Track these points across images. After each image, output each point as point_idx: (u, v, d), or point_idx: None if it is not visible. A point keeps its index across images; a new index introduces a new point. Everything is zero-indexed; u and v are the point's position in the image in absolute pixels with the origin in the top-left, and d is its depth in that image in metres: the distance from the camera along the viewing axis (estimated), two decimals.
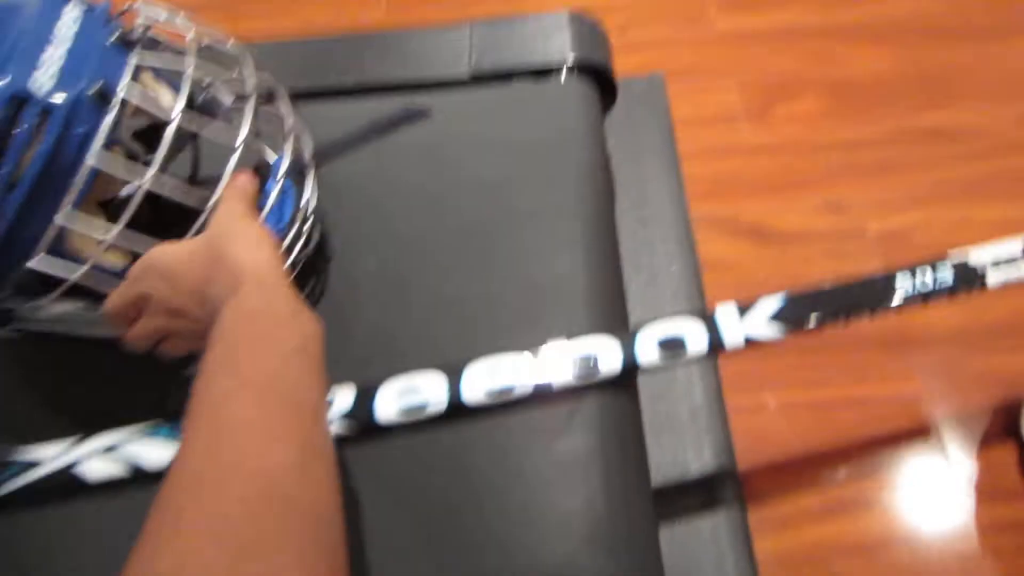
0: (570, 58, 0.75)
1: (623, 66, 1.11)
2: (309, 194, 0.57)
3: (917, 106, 1.02)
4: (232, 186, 0.49)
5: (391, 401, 0.51)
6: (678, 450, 0.70)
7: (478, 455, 0.51)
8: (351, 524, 0.38)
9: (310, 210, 0.58)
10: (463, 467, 0.51)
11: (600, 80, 0.77)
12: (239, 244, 0.44)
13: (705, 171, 1.06)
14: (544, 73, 0.75)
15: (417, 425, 0.52)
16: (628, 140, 0.97)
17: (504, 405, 0.52)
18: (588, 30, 0.79)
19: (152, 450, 0.52)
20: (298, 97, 0.59)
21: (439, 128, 0.70)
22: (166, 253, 0.47)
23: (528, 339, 0.54)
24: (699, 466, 0.69)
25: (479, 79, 0.74)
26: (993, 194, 0.99)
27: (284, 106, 0.57)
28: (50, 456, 0.53)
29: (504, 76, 0.74)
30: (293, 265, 0.56)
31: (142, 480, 0.51)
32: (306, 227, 0.57)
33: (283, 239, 0.55)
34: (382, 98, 0.73)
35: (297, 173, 0.58)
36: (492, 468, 0.51)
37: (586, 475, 0.50)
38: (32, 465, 0.52)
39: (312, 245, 0.59)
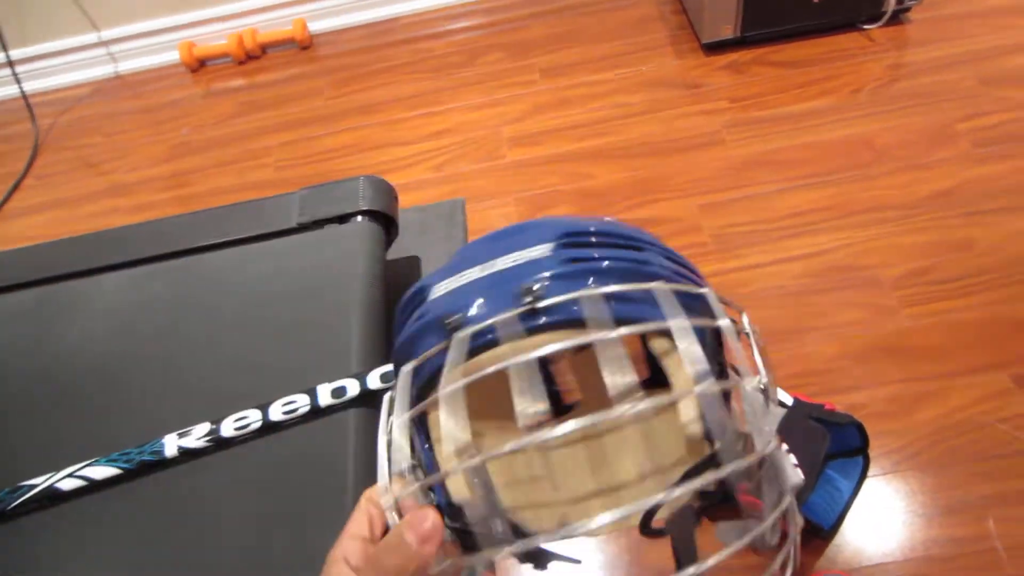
0: (361, 207, 1.17)
1: (438, 193, 1.55)
2: None
3: (636, 203, 1.45)
4: None
5: (230, 424, 0.91)
6: None
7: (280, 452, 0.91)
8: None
9: None
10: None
11: (385, 219, 1.19)
12: None
13: None
14: (346, 218, 1.17)
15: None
16: (436, 246, 1.40)
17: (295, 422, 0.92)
18: (377, 187, 1.22)
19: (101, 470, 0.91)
20: (193, 251, 1.02)
21: (277, 259, 1.12)
22: None
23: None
24: None
25: (303, 226, 1.17)
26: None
27: None
28: (40, 481, 0.91)
29: (320, 222, 1.17)
30: None
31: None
32: None
33: None
34: (245, 246, 1.16)
35: None
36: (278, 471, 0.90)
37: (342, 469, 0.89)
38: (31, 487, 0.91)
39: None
